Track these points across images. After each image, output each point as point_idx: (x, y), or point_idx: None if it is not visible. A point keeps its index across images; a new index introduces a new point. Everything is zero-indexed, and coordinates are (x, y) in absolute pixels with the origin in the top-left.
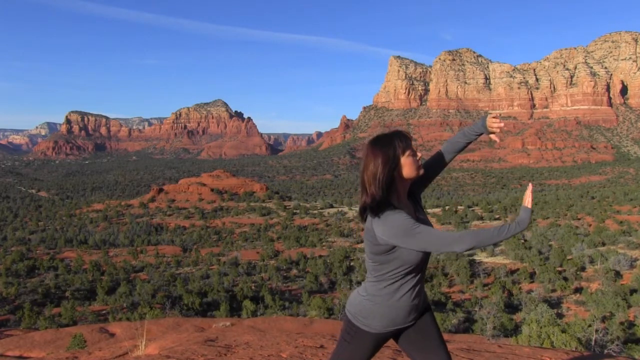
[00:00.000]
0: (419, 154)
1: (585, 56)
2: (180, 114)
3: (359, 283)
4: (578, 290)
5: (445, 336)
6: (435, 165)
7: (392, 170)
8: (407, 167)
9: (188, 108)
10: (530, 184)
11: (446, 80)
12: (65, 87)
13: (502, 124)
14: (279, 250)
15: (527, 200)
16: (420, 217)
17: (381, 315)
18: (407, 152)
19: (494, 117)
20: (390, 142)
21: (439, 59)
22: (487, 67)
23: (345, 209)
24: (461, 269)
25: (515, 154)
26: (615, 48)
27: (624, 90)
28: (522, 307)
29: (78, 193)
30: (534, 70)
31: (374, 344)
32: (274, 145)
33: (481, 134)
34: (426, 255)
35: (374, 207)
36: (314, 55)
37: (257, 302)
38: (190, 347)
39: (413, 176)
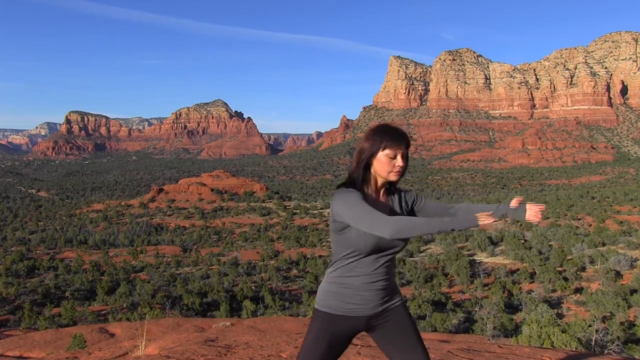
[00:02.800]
0: (401, 162)
1: (586, 56)
2: (180, 114)
3: None
4: (578, 290)
5: (445, 336)
6: (433, 210)
7: (369, 157)
8: (379, 164)
9: (188, 108)
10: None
11: (446, 80)
12: (65, 87)
13: (541, 208)
14: (279, 250)
15: (487, 219)
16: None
17: (334, 293)
18: (387, 151)
19: (529, 205)
20: (381, 134)
21: (439, 59)
22: (487, 67)
23: None
24: (461, 269)
25: (515, 154)
26: (615, 48)
27: (624, 90)
28: (522, 307)
29: (78, 193)
30: (534, 70)
31: (331, 328)
32: (274, 145)
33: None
34: (376, 244)
35: (344, 182)
36: (314, 55)
37: (257, 302)
38: (190, 347)
39: (382, 176)
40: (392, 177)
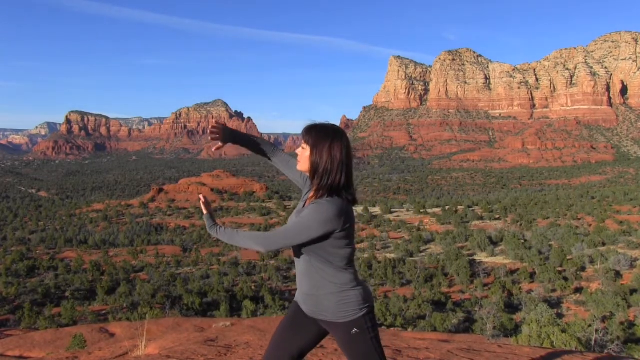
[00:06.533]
0: (297, 151)
1: (585, 56)
2: (180, 114)
3: None
4: (578, 290)
5: (445, 336)
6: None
7: None
8: None
9: (188, 108)
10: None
11: (446, 80)
12: (65, 87)
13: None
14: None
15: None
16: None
17: None
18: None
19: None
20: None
21: (439, 58)
22: (487, 67)
23: None
24: (461, 268)
25: (515, 154)
26: (615, 48)
27: (624, 90)
28: (522, 307)
29: (78, 193)
30: (534, 70)
31: (294, 310)
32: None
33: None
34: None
35: None
36: (314, 55)
37: (257, 302)
38: (190, 347)
39: None
40: (297, 166)
